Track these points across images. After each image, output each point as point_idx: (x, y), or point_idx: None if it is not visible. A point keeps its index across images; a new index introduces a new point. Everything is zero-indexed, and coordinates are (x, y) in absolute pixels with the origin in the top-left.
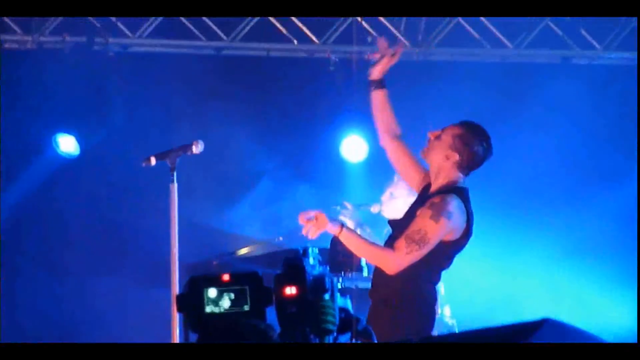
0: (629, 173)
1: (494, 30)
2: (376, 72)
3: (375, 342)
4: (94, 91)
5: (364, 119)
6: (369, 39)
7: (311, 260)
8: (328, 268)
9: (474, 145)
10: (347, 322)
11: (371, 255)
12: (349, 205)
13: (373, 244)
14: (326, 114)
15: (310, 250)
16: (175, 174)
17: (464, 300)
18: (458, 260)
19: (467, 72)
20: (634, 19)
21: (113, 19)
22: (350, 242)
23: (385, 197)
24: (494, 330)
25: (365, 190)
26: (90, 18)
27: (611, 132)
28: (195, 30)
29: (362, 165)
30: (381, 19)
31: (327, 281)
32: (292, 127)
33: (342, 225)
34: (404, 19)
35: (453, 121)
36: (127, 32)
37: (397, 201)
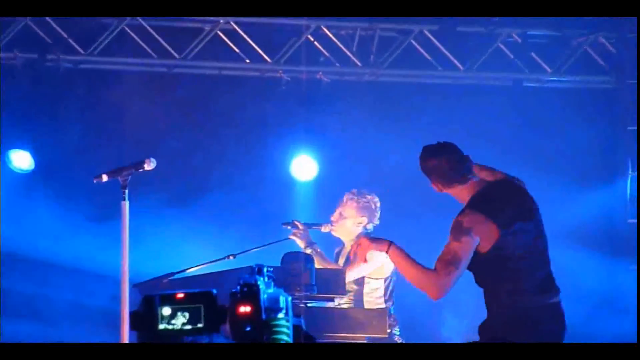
0: (565, 196)
1: (446, 52)
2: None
3: None
4: (48, 107)
5: (314, 139)
6: (321, 58)
7: (265, 279)
8: (283, 287)
9: (435, 166)
10: (302, 340)
11: (416, 276)
12: (299, 225)
13: (419, 265)
14: (277, 133)
15: (264, 269)
16: (127, 191)
17: (410, 319)
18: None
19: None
20: (584, 44)
21: (64, 35)
22: (397, 260)
23: (334, 217)
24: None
25: (315, 209)
26: (42, 34)
27: (553, 155)
28: (147, 48)
29: (312, 185)
30: (334, 39)
31: (281, 300)
32: (243, 145)
33: (390, 242)
34: (356, 39)
35: (401, 141)
36: (79, 49)
37: (346, 221)
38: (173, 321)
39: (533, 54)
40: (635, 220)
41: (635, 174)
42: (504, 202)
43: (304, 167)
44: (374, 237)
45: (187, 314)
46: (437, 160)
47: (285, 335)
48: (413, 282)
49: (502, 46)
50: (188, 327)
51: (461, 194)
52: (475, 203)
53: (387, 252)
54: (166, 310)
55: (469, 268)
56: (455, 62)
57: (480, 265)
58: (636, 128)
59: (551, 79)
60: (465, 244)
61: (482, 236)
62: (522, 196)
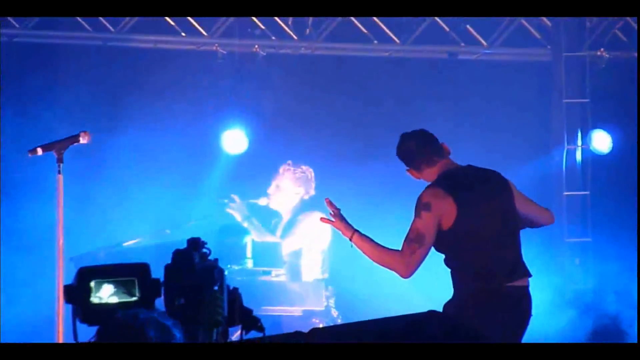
0: (500, 169)
1: (382, 26)
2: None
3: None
4: None
5: (248, 112)
6: (257, 32)
7: (201, 252)
8: (219, 260)
9: (403, 150)
10: (237, 314)
11: (381, 258)
12: (236, 199)
13: (383, 248)
14: (210, 107)
15: (200, 242)
16: (61, 165)
17: (346, 291)
18: (341, 251)
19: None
20: (520, 16)
21: None
22: (362, 246)
23: (271, 189)
24: (386, 321)
25: (250, 182)
26: None
27: (490, 128)
28: (82, 22)
29: (242, 158)
30: None
31: (216, 273)
32: (176, 119)
33: (355, 230)
34: None
35: (336, 115)
36: (13, 23)
37: (283, 193)
38: (107, 294)
39: (468, 27)
40: (572, 193)
41: (572, 147)
42: (468, 181)
43: (234, 140)
44: (344, 221)
45: (121, 287)
46: (405, 144)
47: (220, 307)
48: (380, 264)
49: (437, 19)
50: (122, 299)
51: (431, 176)
52: (438, 180)
53: (350, 239)
54: (99, 283)
55: (436, 248)
56: (391, 35)
57: (444, 245)
58: (572, 101)
59: (487, 51)
60: (426, 219)
61: (442, 212)
62: (492, 178)
